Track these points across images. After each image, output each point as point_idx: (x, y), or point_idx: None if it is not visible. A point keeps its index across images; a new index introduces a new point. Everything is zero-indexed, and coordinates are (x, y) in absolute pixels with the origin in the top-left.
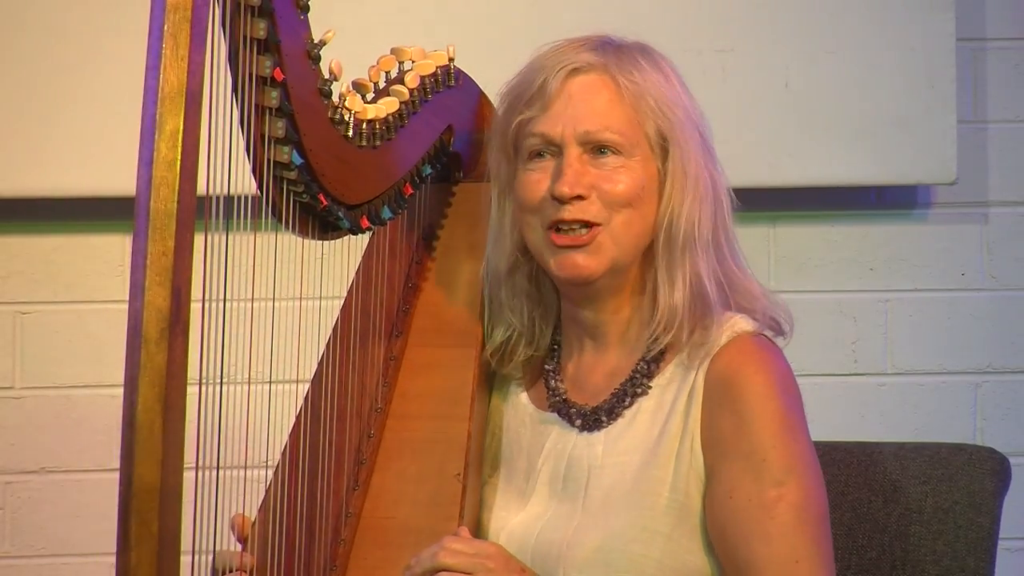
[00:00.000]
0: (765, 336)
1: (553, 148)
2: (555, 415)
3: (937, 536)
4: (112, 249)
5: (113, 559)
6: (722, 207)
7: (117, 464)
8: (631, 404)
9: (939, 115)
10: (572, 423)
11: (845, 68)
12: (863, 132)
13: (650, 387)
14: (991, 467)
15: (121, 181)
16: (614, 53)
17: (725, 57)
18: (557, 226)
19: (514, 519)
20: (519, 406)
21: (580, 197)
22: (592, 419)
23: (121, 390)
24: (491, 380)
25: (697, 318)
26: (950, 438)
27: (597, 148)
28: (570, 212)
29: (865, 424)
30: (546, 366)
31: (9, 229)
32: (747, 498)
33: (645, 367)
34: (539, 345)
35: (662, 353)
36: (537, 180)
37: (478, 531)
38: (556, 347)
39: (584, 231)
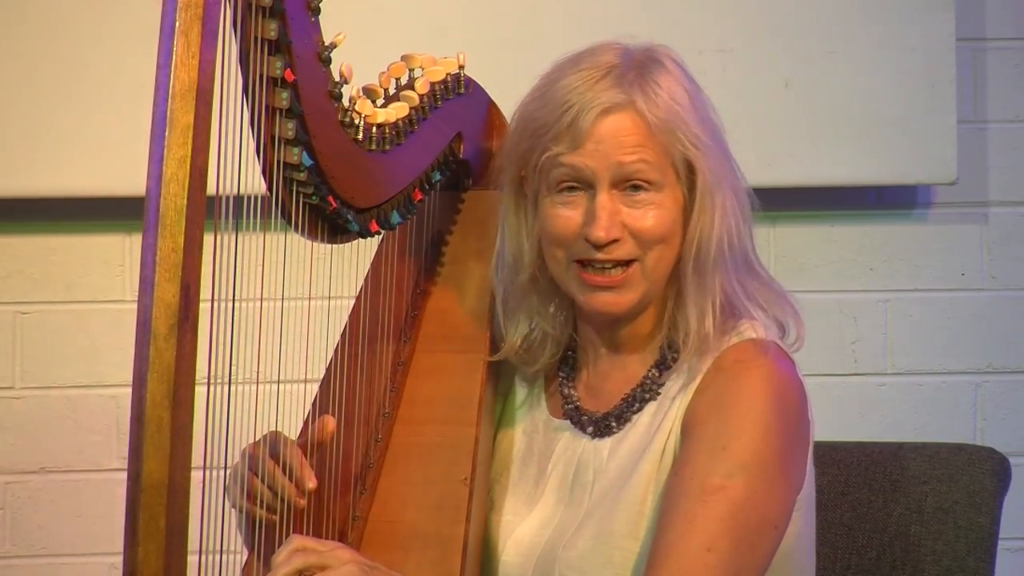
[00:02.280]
0: (780, 346)
1: (583, 184)
2: (567, 422)
3: (937, 536)
4: (112, 249)
5: (113, 559)
6: (748, 217)
7: (117, 464)
8: (640, 409)
9: (939, 115)
10: (584, 430)
11: (845, 68)
12: (863, 132)
13: (659, 393)
14: (991, 467)
15: (121, 181)
16: (637, 81)
17: (725, 57)
18: (588, 263)
19: (520, 525)
20: (537, 412)
21: (615, 240)
22: (603, 425)
23: (121, 390)
24: (510, 384)
25: (719, 331)
26: (950, 438)
27: (630, 186)
28: (605, 253)
29: (865, 424)
30: (560, 373)
31: (9, 229)
32: (691, 477)
33: (656, 373)
34: (557, 345)
35: (674, 358)
36: (568, 216)
37: (486, 532)
38: (572, 353)
39: (619, 271)
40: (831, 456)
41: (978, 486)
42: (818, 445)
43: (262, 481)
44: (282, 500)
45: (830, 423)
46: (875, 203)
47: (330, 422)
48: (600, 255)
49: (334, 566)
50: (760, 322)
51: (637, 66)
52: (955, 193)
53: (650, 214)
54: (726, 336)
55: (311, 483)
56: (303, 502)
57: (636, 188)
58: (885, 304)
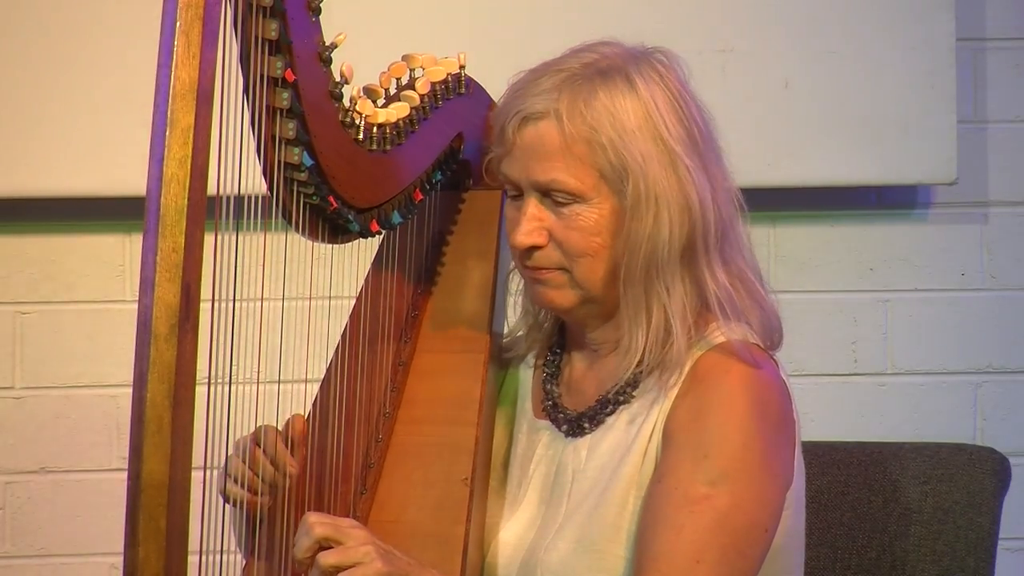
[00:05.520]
0: (760, 347)
1: (518, 190)
2: (547, 422)
3: (937, 536)
4: (112, 249)
5: (113, 559)
6: (707, 219)
7: (117, 464)
8: (613, 411)
9: (939, 115)
10: (559, 428)
11: (845, 68)
12: (863, 132)
13: (633, 396)
14: (991, 467)
15: (122, 181)
16: (571, 90)
17: (725, 57)
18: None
19: (505, 528)
20: (522, 412)
21: (538, 247)
22: (576, 425)
23: (121, 390)
24: (500, 383)
25: (674, 339)
26: (950, 438)
27: (551, 197)
28: (532, 261)
29: (865, 424)
30: (546, 370)
31: (9, 229)
32: (675, 486)
33: (632, 377)
34: (539, 332)
35: (661, 357)
36: (511, 219)
37: (483, 537)
38: (559, 351)
39: (550, 268)
40: (831, 456)
41: (978, 486)
42: (818, 445)
43: (243, 462)
44: (266, 481)
45: (830, 423)
46: (875, 203)
47: (298, 420)
48: (529, 262)
49: (352, 545)
50: (737, 325)
51: (595, 74)
52: (955, 193)
53: (573, 227)
54: (699, 340)
55: (292, 468)
56: (285, 480)
57: (558, 199)
58: (885, 304)
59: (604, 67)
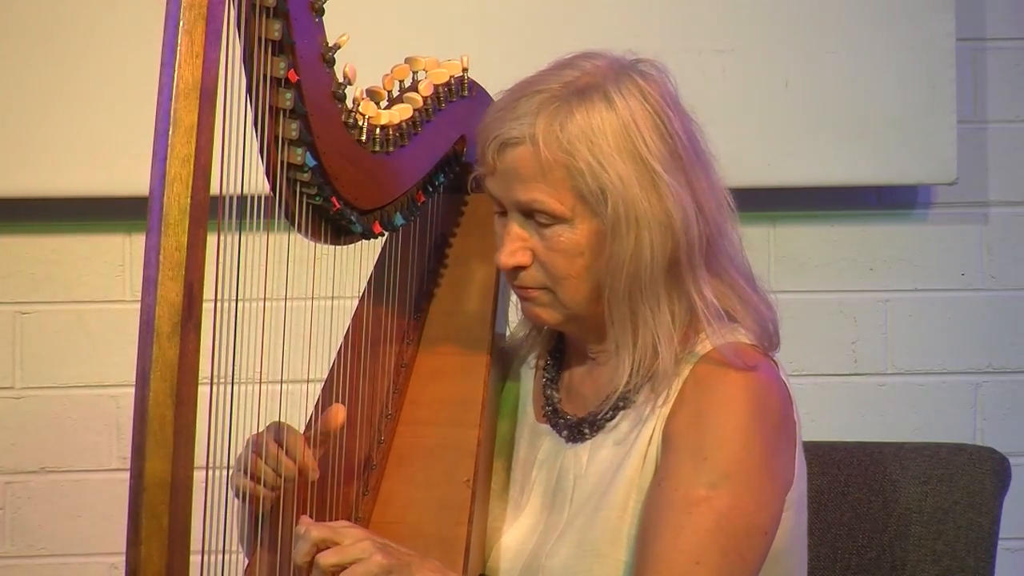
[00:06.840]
0: (759, 350)
1: (503, 208)
2: (548, 426)
3: (937, 536)
4: (112, 249)
5: (113, 559)
6: (690, 235)
7: (117, 464)
8: (613, 417)
9: (939, 115)
10: (560, 433)
11: (845, 68)
12: (863, 132)
13: (633, 401)
14: (991, 467)
15: (122, 181)
16: (547, 113)
17: (725, 57)
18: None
19: (507, 533)
20: (524, 416)
21: (522, 267)
22: (577, 430)
23: (121, 390)
24: (502, 386)
25: (660, 357)
26: (950, 438)
27: (535, 218)
28: (518, 280)
29: (865, 424)
30: (546, 375)
31: (9, 229)
32: (675, 488)
33: (632, 383)
34: (545, 335)
35: (650, 372)
36: (498, 235)
37: (485, 538)
38: (559, 355)
39: (532, 289)
40: (831, 456)
41: (978, 486)
42: (818, 445)
43: (265, 463)
44: (285, 480)
45: (830, 423)
46: (875, 203)
47: (340, 412)
48: (514, 280)
49: (349, 543)
50: (728, 331)
51: (572, 94)
52: (955, 193)
53: (555, 248)
54: (690, 352)
55: (314, 473)
56: (305, 478)
57: (540, 221)
58: (885, 304)
59: (582, 85)
